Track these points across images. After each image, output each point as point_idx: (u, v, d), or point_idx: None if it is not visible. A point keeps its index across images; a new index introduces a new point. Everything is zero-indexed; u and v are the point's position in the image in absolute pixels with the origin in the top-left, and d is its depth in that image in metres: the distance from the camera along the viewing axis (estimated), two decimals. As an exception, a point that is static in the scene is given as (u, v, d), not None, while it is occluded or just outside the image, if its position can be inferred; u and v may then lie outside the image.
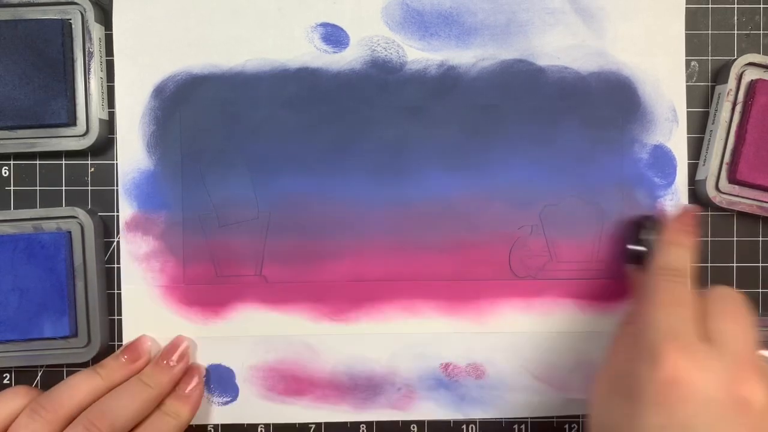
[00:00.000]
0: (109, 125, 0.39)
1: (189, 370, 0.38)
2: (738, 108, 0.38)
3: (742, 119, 0.38)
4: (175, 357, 0.37)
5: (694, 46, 0.39)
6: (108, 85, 0.39)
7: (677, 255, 0.33)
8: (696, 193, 0.39)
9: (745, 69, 0.38)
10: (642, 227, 0.37)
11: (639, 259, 0.36)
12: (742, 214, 0.39)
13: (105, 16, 0.38)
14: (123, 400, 0.34)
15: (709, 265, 0.39)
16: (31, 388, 0.35)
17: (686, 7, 0.39)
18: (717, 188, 0.38)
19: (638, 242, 0.37)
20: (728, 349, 0.28)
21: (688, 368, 0.27)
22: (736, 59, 0.38)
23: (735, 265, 0.39)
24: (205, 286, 0.39)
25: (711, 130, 0.38)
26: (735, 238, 0.39)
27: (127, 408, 0.34)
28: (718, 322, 0.30)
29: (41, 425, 0.33)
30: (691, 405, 0.27)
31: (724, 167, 0.38)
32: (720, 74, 0.39)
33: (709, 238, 0.39)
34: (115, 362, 0.36)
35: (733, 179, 0.38)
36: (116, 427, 0.33)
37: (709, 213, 0.39)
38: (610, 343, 0.33)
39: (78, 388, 0.35)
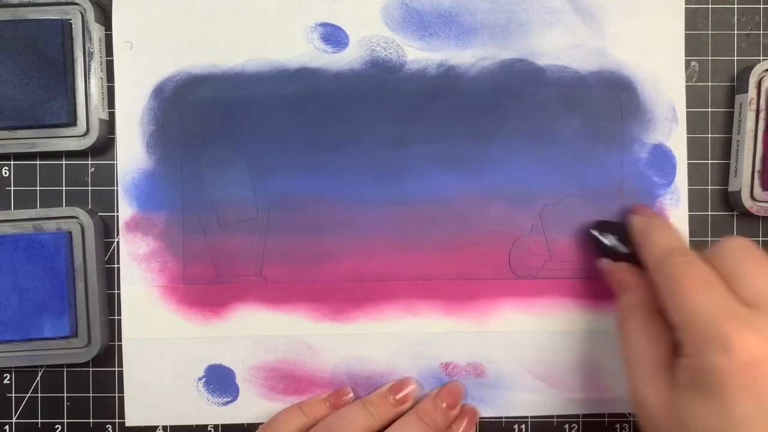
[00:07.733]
0: (109, 125, 0.39)
1: (461, 413, 0.38)
2: (762, 115, 0.37)
3: None
4: (399, 395, 0.38)
5: (693, 46, 0.39)
6: (108, 85, 0.39)
7: (669, 234, 0.33)
8: (732, 205, 0.39)
9: (763, 75, 0.38)
10: (603, 233, 0.37)
11: (615, 255, 0.37)
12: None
13: (105, 16, 0.39)
14: (347, 420, 0.36)
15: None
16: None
17: (686, 7, 0.39)
18: (752, 197, 0.38)
19: (605, 250, 0.37)
20: None
21: (759, 342, 0.27)
22: (753, 67, 0.37)
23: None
24: (205, 286, 0.39)
25: (738, 140, 0.38)
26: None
27: (349, 428, 0.35)
28: (748, 285, 0.29)
29: None
30: None
31: (756, 175, 0.38)
32: (739, 83, 0.39)
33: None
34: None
35: (766, 186, 0.37)
36: None
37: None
38: (625, 343, 0.33)
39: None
